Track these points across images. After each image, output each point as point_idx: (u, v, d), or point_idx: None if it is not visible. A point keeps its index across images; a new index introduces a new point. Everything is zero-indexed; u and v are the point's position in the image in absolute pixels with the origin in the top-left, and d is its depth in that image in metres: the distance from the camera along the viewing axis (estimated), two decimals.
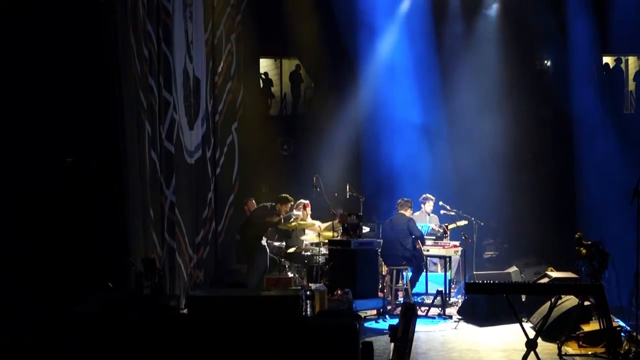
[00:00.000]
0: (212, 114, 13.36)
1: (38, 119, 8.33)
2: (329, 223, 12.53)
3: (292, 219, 12.64)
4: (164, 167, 10.59)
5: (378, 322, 11.15)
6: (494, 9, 16.79)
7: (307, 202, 13.21)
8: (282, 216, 12.62)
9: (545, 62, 18.26)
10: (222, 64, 14.03)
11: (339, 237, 12.08)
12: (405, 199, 12.52)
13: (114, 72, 8.76)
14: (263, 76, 18.92)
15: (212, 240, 13.15)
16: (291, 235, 12.86)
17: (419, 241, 12.21)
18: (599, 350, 8.84)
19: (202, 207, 12.62)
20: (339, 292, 11.46)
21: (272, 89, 19.26)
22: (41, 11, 8.32)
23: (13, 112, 8.23)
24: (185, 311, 9.03)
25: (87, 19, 8.71)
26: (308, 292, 10.25)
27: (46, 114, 8.37)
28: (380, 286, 12.24)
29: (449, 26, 17.18)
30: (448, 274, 12.36)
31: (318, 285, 11.54)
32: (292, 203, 12.86)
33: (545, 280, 10.94)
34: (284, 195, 12.86)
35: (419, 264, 12.24)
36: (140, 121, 9.53)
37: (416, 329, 8.60)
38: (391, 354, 7.27)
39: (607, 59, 18.68)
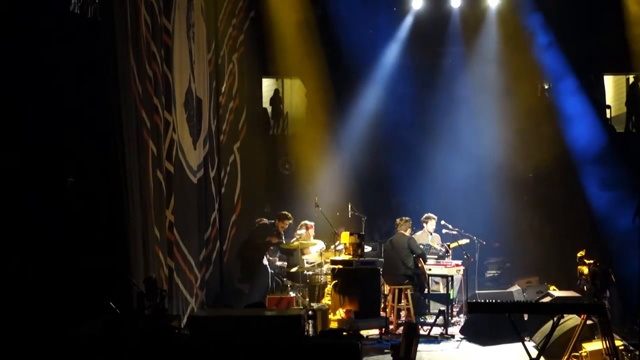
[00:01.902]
0: (215, 134, 13.39)
1: (36, 139, 8.32)
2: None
3: (293, 239, 12.66)
4: (167, 187, 10.63)
5: (380, 342, 11.13)
6: (493, 28, 16.87)
7: (311, 223, 13.22)
8: (282, 234, 12.65)
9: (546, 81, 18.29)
10: (224, 84, 14.09)
11: (341, 257, 12.09)
12: (405, 218, 12.55)
13: (113, 91, 8.79)
14: (272, 94, 19.04)
15: (216, 260, 13.13)
16: (293, 254, 12.87)
17: (421, 259, 12.21)
18: None
19: (205, 227, 12.62)
20: (341, 311, 11.46)
21: (269, 110, 19.20)
22: (39, 30, 8.34)
23: (11, 132, 8.22)
24: (187, 332, 9.03)
25: (85, 38, 8.76)
26: (310, 312, 10.28)
27: (45, 134, 8.37)
28: (382, 305, 12.23)
29: (450, 45, 17.27)
30: (450, 293, 12.34)
31: (320, 304, 11.54)
32: (291, 221, 12.87)
33: (547, 299, 10.95)
34: (284, 212, 12.92)
35: (421, 283, 12.24)
36: (142, 141, 9.56)
37: (418, 349, 8.64)
38: None
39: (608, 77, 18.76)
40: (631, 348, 9.37)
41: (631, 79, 18.37)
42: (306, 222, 13.22)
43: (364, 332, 11.29)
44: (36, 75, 8.26)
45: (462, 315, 12.53)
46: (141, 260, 9.22)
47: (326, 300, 12.08)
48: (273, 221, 13.05)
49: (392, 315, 12.01)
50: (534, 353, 8.23)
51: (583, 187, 15.78)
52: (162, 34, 10.67)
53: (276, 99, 19.06)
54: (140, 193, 9.37)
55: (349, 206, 13.23)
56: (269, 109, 18.98)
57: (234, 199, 14.56)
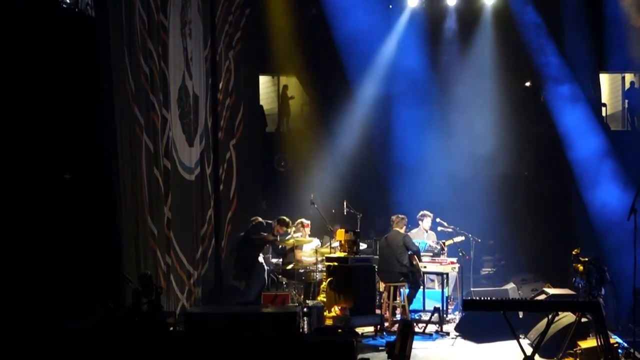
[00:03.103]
0: (212, 131, 13.38)
1: (29, 136, 8.28)
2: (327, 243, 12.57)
3: (288, 238, 12.63)
4: (164, 184, 10.61)
5: (375, 339, 11.13)
6: (489, 26, 16.87)
7: (307, 222, 13.18)
8: (277, 236, 12.62)
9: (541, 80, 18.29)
10: (221, 81, 14.08)
11: (336, 254, 12.09)
12: (400, 216, 12.54)
13: (106, 88, 8.76)
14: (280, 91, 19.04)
15: (212, 257, 13.12)
16: (287, 252, 12.85)
17: (416, 257, 12.22)
18: None
19: (201, 224, 12.60)
20: (336, 308, 11.47)
21: (265, 107, 19.17)
22: (31, 26, 8.31)
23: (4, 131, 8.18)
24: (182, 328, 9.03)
25: (79, 35, 8.73)
26: (305, 309, 10.27)
27: (38, 131, 8.33)
28: (377, 303, 12.24)
29: (446, 43, 17.27)
30: (445, 290, 12.36)
31: (315, 302, 11.54)
32: (289, 229, 12.80)
33: (542, 297, 10.97)
34: (283, 217, 12.83)
35: (416, 280, 12.25)
36: (136, 138, 9.52)
37: (413, 346, 8.64)
38: None
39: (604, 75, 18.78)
40: (625, 345, 9.40)
41: (627, 78, 18.42)
42: (302, 220, 13.20)
43: (359, 330, 11.27)
44: (28, 72, 8.23)
45: (457, 313, 12.55)
46: (133, 256, 9.20)
47: (321, 298, 12.08)
48: (270, 222, 12.99)
49: (387, 313, 12.02)
50: (529, 350, 8.25)
51: (578, 184, 15.81)
52: (159, 30, 10.66)
53: (284, 96, 19.01)
54: (134, 190, 9.35)
55: (345, 203, 13.21)
56: (275, 105, 19.00)
57: (230, 195, 14.55)
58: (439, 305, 11.98)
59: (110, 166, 8.79)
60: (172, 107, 11.21)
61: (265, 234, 12.65)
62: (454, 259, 12.60)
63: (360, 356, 9.48)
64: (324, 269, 12.16)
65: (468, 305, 8.81)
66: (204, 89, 12.97)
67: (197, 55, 12.57)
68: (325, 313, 11.47)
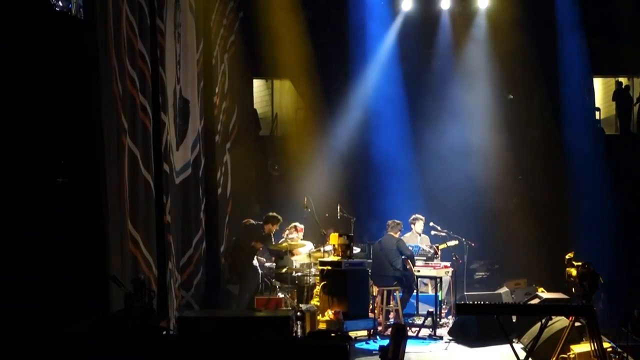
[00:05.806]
0: (205, 135, 13.30)
1: (16, 141, 8.24)
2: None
3: (282, 240, 12.61)
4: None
5: (368, 343, 11.14)
6: (483, 30, 16.87)
7: (301, 226, 13.17)
8: (270, 236, 12.58)
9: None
10: (218, 85, 14.03)
11: (329, 258, 12.08)
12: (396, 221, 12.56)
13: (94, 91, 8.71)
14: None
15: (204, 261, 13.05)
16: (282, 256, 12.82)
17: (409, 261, 12.23)
18: None
19: (195, 229, 12.52)
20: (329, 312, 11.46)
21: (259, 111, 19.12)
22: (21, 27, 8.27)
23: None
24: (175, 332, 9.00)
25: (66, 38, 8.69)
26: (299, 313, 10.27)
27: (24, 136, 8.29)
28: (370, 307, 12.23)
29: (439, 47, 17.28)
30: (439, 294, 12.36)
31: (308, 306, 11.54)
32: (281, 221, 12.78)
33: (535, 301, 10.97)
34: (273, 214, 12.80)
35: (409, 284, 12.26)
36: (120, 142, 9.45)
37: (406, 350, 8.63)
38: None
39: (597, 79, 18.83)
40: (619, 350, 9.40)
41: (624, 82, 18.45)
42: (296, 224, 13.18)
43: (353, 334, 11.28)
44: (24, 75, 8.19)
45: (450, 317, 12.55)
46: (119, 260, 9.12)
47: (315, 302, 12.07)
48: (260, 222, 12.95)
49: (380, 317, 12.02)
50: (522, 355, 8.25)
51: (572, 189, 15.83)
52: (156, 34, 10.58)
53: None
54: (120, 194, 9.27)
55: (338, 207, 13.20)
56: (269, 109, 19.00)
57: (226, 199, 14.51)
58: (432, 309, 12.00)
59: (97, 169, 8.72)
60: (169, 111, 11.15)
61: (254, 243, 12.60)
62: (448, 263, 12.60)
63: None
64: (318, 272, 12.15)
65: (461, 309, 8.80)
66: (196, 92, 12.90)
67: (188, 59, 12.49)
68: (318, 317, 11.47)
